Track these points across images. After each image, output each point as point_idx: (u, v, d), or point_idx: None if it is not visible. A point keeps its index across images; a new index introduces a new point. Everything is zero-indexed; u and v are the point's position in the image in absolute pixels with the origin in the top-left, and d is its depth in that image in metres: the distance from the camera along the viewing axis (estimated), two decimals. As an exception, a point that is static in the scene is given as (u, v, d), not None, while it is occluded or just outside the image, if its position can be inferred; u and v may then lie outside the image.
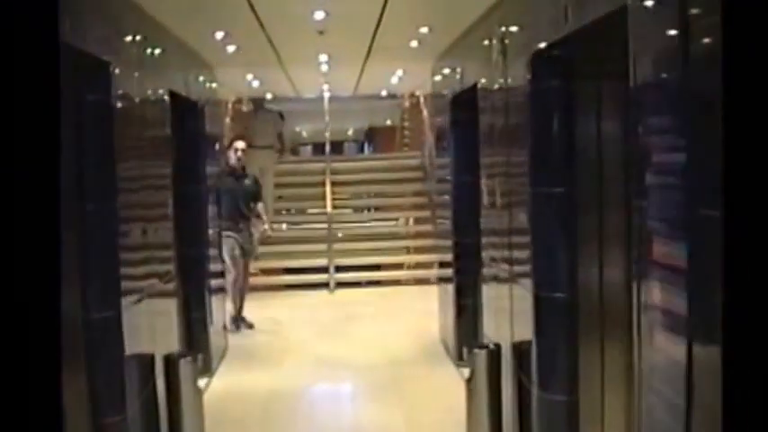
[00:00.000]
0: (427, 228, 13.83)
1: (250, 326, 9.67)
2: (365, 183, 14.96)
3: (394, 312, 10.70)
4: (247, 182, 9.76)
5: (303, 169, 15.16)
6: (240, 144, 9.72)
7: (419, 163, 15.05)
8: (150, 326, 5.28)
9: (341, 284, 12.56)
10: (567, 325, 4.63)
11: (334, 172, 14.45)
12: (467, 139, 7.68)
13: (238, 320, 9.64)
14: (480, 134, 6.56)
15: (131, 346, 4.65)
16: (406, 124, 18.14)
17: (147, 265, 5.36)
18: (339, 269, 12.78)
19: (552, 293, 4.65)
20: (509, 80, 5.39)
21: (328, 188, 13.41)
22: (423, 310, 10.40)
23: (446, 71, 8.29)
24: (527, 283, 4.95)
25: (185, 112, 7.33)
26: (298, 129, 24.52)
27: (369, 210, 16.97)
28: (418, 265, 13.67)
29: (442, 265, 9.22)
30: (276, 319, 10.10)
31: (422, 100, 15.28)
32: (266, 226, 10.38)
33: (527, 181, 4.88)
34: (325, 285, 12.50)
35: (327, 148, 14.94)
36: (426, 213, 14.05)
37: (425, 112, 14.81)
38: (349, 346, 9.05)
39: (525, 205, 5.01)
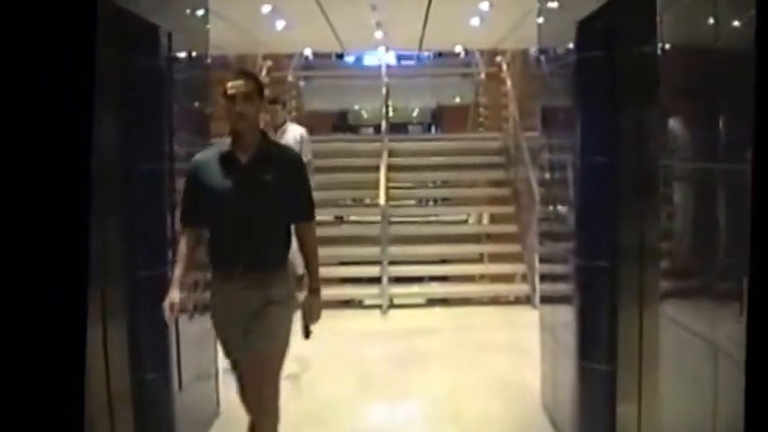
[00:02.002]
0: (508, 228, 10.75)
1: None
2: (430, 168, 11.92)
3: (469, 349, 7.62)
4: (268, 176, 3.89)
5: (353, 150, 12.16)
6: (239, 83, 3.84)
7: (500, 145, 11.95)
8: None
9: (396, 303, 9.56)
10: None
11: (392, 154, 11.45)
12: (607, 96, 4.60)
13: None
14: (663, 76, 3.42)
15: None
16: (482, 100, 15.04)
17: None
18: (394, 281, 9.78)
19: None
20: None
21: (383, 174, 10.33)
22: (509, 347, 7.45)
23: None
24: None
25: (131, 41, 4.36)
26: (357, 107, 21.77)
27: (433, 202, 13.99)
28: (495, 278, 10.63)
29: (546, 279, 6.09)
30: (304, 355, 6.96)
31: (504, 67, 12.13)
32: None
33: None
34: (375, 304, 9.51)
35: (384, 124, 11.84)
36: (508, 209, 10.96)
37: (509, 84, 11.67)
38: (406, 415, 6.04)
39: None
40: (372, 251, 9.94)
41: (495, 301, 9.86)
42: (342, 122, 22.33)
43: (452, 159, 11.83)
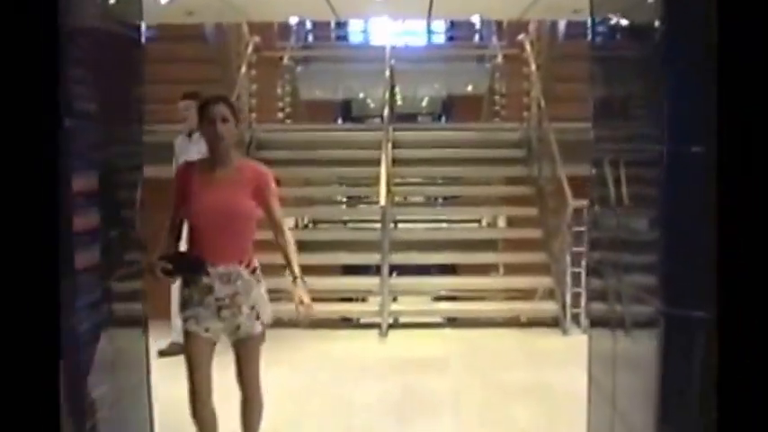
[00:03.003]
0: (530, 233, 9.17)
1: None
2: (438, 163, 10.36)
3: (486, 392, 6.02)
4: None
5: (349, 140, 10.60)
6: None
7: (520, 137, 10.37)
8: None
9: (399, 323, 8.03)
10: None
11: (396, 145, 9.92)
12: (710, 50, 3.01)
13: None
14: None
15: None
16: (498, 87, 13.43)
17: None
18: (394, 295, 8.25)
19: None
20: None
21: (383, 169, 8.74)
22: (539, 391, 5.95)
23: None
24: None
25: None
26: (362, 96, 20.19)
27: (443, 200, 12.48)
28: (513, 294, 9.11)
29: (598, 306, 4.47)
30: (276, 397, 5.28)
31: (528, 47, 10.50)
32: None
33: None
34: (371, 323, 7.96)
35: (386, 111, 10.24)
36: (530, 211, 9.37)
37: (533, 66, 10.05)
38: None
39: None
40: (370, 258, 8.43)
41: (514, 322, 8.30)
42: (345, 114, 20.74)
43: (464, 152, 10.27)
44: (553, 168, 8.56)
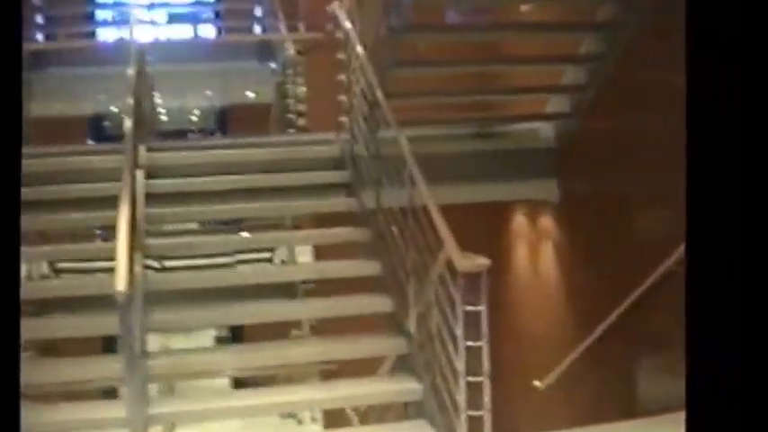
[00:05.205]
0: (373, 304, 5.80)
1: None
2: (214, 198, 6.73)
3: None
4: None
5: (81, 169, 6.86)
6: None
7: (340, 152, 7.00)
8: None
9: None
10: None
11: (151, 173, 6.35)
12: None
13: None
14: None
15: None
16: (293, 89, 10.08)
17: None
18: None
19: None
20: None
21: (124, 220, 4.93)
22: None
23: None
24: None
25: None
26: (117, 110, 16.40)
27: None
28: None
29: None
30: None
31: (346, 21, 7.04)
32: None
33: None
34: None
35: (128, 123, 6.36)
36: (367, 267, 6.00)
37: (358, 47, 6.60)
38: None
39: None
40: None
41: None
42: (97, 133, 16.80)
43: (258, 180, 6.78)
44: (410, 196, 5.22)
